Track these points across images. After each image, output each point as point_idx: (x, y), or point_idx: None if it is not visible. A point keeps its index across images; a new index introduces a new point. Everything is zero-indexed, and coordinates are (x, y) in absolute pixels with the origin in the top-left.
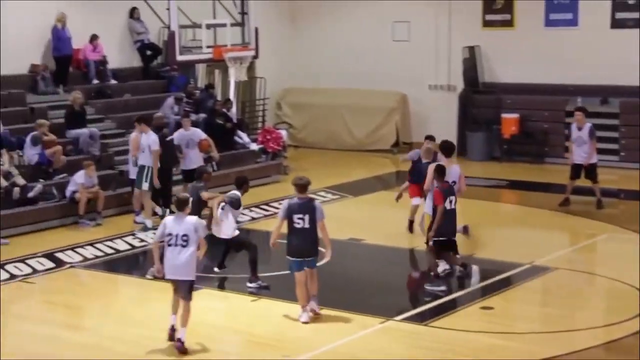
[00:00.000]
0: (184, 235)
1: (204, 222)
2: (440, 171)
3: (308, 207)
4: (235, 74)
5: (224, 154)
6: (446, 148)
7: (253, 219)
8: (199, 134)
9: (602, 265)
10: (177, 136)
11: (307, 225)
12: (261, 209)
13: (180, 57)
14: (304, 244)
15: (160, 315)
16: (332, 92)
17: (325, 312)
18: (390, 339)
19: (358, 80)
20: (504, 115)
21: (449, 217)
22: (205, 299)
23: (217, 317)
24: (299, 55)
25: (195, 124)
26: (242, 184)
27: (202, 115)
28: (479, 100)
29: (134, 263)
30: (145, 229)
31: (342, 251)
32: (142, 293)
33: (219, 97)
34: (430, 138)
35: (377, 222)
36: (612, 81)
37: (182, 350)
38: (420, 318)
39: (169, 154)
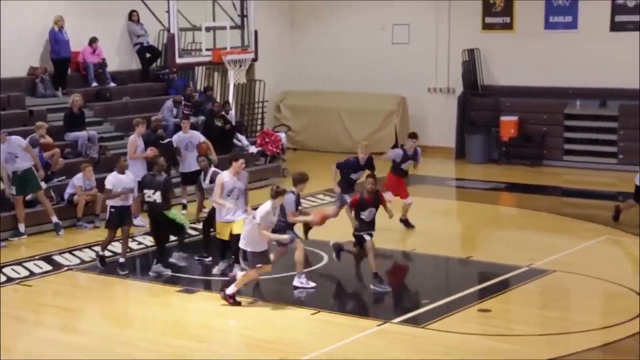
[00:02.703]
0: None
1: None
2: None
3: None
4: (235, 77)
5: (222, 156)
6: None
7: None
8: (198, 136)
9: (600, 267)
10: (176, 139)
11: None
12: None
13: (179, 60)
14: None
15: (156, 316)
16: (331, 95)
17: (322, 315)
18: (387, 342)
19: (357, 83)
20: (503, 118)
21: None
22: (201, 301)
23: (213, 319)
24: (299, 58)
25: (194, 127)
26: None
27: (201, 118)
28: (478, 103)
29: (131, 265)
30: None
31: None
32: (140, 295)
33: (217, 100)
34: (412, 136)
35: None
36: (611, 84)
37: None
38: (418, 320)
39: (167, 156)
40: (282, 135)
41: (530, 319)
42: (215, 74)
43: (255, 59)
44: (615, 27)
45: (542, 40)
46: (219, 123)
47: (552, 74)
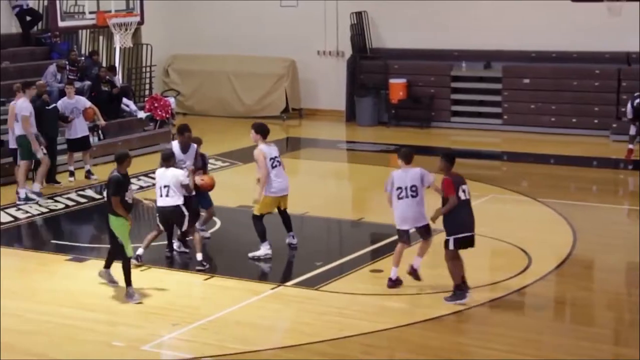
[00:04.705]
0: (413, 186)
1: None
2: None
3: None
4: (120, 41)
5: (110, 122)
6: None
7: (141, 187)
8: (84, 102)
9: (487, 225)
10: (60, 104)
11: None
12: (150, 177)
13: (62, 23)
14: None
15: (39, 287)
16: (220, 59)
17: (215, 280)
18: (282, 304)
19: (246, 46)
20: (392, 81)
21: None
22: (93, 269)
23: (106, 288)
24: (186, 21)
25: (80, 92)
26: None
27: (87, 83)
28: (367, 65)
29: (16, 235)
30: (26, 198)
31: (233, 218)
32: (23, 265)
33: (103, 65)
34: None
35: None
36: (495, 46)
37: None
38: (312, 283)
39: (52, 122)
40: (172, 100)
41: (422, 278)
42: (101, 37)
43: (141, 22)
44: None
45: (428, 2)
46: (105, 88)
47: (438, 36)
